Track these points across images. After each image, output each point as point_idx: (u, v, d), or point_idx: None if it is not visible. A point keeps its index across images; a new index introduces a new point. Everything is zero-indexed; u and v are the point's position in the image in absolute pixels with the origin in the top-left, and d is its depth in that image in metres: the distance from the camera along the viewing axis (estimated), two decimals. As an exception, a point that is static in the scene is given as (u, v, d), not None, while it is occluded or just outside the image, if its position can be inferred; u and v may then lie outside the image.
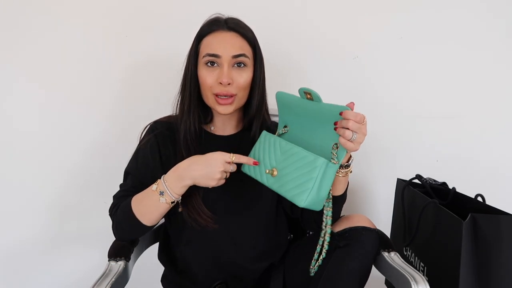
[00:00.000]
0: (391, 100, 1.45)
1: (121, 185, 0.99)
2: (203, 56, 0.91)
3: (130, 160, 0.99)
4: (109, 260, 0.90)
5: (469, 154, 1.48)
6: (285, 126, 0.92)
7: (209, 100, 0.94)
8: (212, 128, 1.01)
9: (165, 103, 1.06)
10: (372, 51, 1.42)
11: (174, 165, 0.89)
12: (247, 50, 0.93)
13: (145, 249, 1.08)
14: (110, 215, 0.96)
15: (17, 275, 1.44)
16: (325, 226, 0.90)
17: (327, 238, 0.90)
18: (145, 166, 0.96)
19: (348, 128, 0.76)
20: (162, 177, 0.87)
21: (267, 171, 0.85)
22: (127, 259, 0.91)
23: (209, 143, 0.98)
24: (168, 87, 1.38)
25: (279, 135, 0.91)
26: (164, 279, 1.06)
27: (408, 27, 1.42)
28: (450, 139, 1.47)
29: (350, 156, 0.85)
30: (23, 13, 1.32)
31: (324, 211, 0.88)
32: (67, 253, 1.45)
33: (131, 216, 0.89)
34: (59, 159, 1.39)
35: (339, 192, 0.90)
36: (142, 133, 1.01)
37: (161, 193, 0.86)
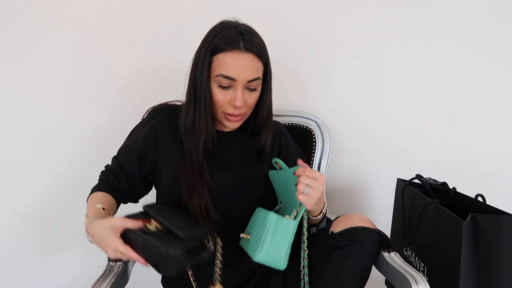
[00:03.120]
0: (391, 100, 1.46)
1: (114, 158, 1.04)
2: (217, 75, 0.89)
3: (126, 139, 1.04)
4: (109, 260, 0.90)
5: (469, 154, 1.48)
6: (280, 202, 0.98)
7: (219, 115, 0.95)
8: (215, 127, 1.02)
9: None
10: (372, 51, 1.42)
11: (175, 153, 0.95)
12: (260, 70, 0.92)
13: (145, 249, 1.08)
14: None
15: (16, 275, 1.44)
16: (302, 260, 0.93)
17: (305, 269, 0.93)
18: (132, 153, 1.00)
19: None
20: (89, 221, 0.86)
21: (242, 235, 0.90)
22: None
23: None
24: (168, 88, 1.38)
25: (276, 211, 0.94)
26: (164, 279, 1.06)
27: (408, 27, 1.42)
28: (450, 139, 1.48)
29: (322, 212, 0.95)
30: (22, 13, 1.32)
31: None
32: (67, 253, 1.45)
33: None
34: (59, 159, 1.39)
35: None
36: (145, 114, 1.03)
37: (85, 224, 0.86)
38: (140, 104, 1.38)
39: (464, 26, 1.43)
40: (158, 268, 0.76)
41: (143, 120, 1.03)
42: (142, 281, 1.20)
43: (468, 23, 1.43)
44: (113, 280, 0.83)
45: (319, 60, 1.43)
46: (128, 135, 1.04)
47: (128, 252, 0.76)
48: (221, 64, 0.88)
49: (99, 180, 1.02)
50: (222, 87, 0.90)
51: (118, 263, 0.89)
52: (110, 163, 1.04)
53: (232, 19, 0.94)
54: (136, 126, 1.04)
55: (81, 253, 1.45)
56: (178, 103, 1.03)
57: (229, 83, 0.89)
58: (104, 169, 1.04)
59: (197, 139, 0.93)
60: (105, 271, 0.86)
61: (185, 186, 0.92)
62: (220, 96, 0.91)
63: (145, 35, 1.36)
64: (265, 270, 1.01)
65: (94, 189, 0.98)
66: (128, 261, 0.92)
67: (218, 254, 0.89)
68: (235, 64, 0.88)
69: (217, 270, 0.91)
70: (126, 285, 0.90)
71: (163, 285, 1.06)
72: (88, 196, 0.97)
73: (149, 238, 0.74)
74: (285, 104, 1.36)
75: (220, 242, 0.89)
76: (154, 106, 1.04)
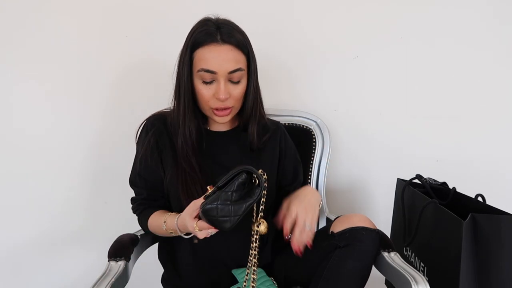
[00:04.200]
0: (391, 100, 1.46)
1: (134, 187, 1.04)
2: (198, 70, 0.90)
3: (134, 162, 1.03)
4: (109, 260, 0.90)
5: (469, 154, 1.48)
6: None
7: (206, 111, 0.96)
8: (208, 127, 1.03)
9: (163, 103, 1.06)
10: (372, 51, 1.42)
11: (171, 157, 0.96)
12: (242, 61, 0.92)
13: (145, 249, 1.08)
14: (135, 213, 1.05)
15: (17, 275, 1.44)
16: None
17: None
18: (148, 168, 1.00)
19: None
20: (176, 220, 0.89)
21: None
22: (127, 259, 0.92)
23: (206, 140, 1.00)
24: (167, 88, 1.39)
25: None
26: (164, 279, 1.06)
27: (408, 27, 1.42)
28: (450, 139, 1.48)
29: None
30: (21, 12, 1.32)
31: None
32: (67, 253, 1.45)
33: (150, 231, 1.01)
34: (59, 160, 1.39)
35: None
36: (138, 131, 1.03)
37: (171, 232, 0.93)
38: (142, 104, 1.39)
39: (464, 26, 1.43)
40: (218, 226, 0.79)
41: (140, 136, 1.03)
42: (142, 281, 1.20)
43: (468, 23, 1.42)
44: (113, 280, 0.83)
45: (319, 60, 1.43)
46: (134, 160, 1.03)
47: (199, 224, 0.81)
48: (201, 59, 0.90)
49: (139, 212, 1.03)
50: (205, 82, 0.91)
51: (119, 263, 0.89)
52: (134, 196, 1.05)
53: (212, 16, 0.95)
54: (138, 148, 1.03)
55: (81, 253, 1.45)
56: (169, 110, 1.03)
57: (211, 76, 0.90)
58: (132, 203, 1.05)
59: (183, 136, 0.95)
60: (105, 271, 0.86)
61: (181, 187, 0.93)
62: (204, 91, 0.92)
63: (145, 34, 1.36)
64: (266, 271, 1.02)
65: (145, 219, 1.00)
66: (129, 261, 0.92)
67: (264, 192, 0.86)
68: (214, 57, 0.89)
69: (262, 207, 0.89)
70: (126, 285, 0.90)
71: (163, 285, 1.06)
72: (146, 227, 1.01)
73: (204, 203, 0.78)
74: (285, 104, 1.36)
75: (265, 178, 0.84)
76: (147, 119, 1.03)
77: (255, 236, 0.88)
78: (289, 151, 1.09)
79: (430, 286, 0.81)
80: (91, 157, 1.40)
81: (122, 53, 1.36)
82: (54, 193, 1.41)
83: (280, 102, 1.19)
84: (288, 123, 1.27)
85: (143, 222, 1.01)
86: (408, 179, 1.21)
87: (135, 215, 1.06)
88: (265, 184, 0.82)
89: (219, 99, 0.91)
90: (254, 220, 0.89)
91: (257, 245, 0.88)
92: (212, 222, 0.77)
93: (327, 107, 1.44)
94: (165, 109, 1.05)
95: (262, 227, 0.87)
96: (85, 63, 1.36)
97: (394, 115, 1.46)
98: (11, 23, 1.32)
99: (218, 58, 0.89)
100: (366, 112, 1.46)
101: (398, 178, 1.30)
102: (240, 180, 0.77)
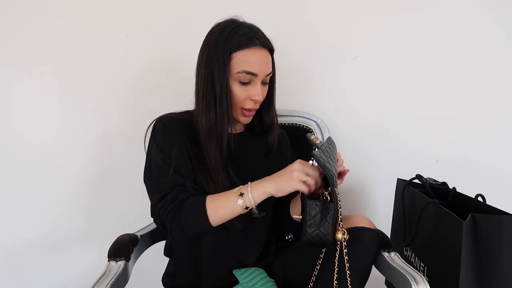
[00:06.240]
0: (391, 100, 1.46)
1: (155, 179, 0.91)
2: (238, 72, 0.90)
3: (153, 154, 0.93)
4: (109, 260, 0.90)
5: (469, 154, 1.48)
6: None
7: (236, 112, 0.95)
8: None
9: (168, 103, 1.06)
10: (372, 51, 1.42)
11: (192, 158, 0.92)
12: (271, 65, 0.96)
13: (145, 249, 1.08)
14: (160, 210, 0.88)
15: (17, 275, 1.44)
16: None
17: None
18: (174, 147, 0.92)
19: None
20: (249, 182, 0.88)
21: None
22: (127, 259, 0.92)
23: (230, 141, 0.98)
24: (171, 88, 1.39)
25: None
26: (164, 279, 1.06)
27: (408, 27, 1.42)
28: (450, 139, 1.48)
29: None
30: (29, 14, 1.32)
31: None
32: (67, 253, 1.45)
33: (202, 214, 0.86)
34: (59, 160, 1.39)
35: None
36: (146, 131, 0.98)
37: (241, 194, 0.85)
38: (143, 105, 1.39)
39: (464, 26, 1.43)
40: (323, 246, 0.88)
41: (156, 135, 0.94)
42: (142, 281, 1.20)
43: (468, 24, 1.43)
44: (113, 280, 0.83)
45: (319, 60, 1.43)
46: (156, 150, 0.92)
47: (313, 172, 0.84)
48: (241, 61, 0.90)
49: (185, 197, 0.88)
50: (242, 83, 0.92)
51: (118, 263, 0.89)
52: (166, 190, 0.88)
53: (236, 18, 0.95)
54: (157, 146, 0.93)
55: (81, 253, 1.45)
56: (176, 112, 1.01)
57: (250, 78, 0.91)
58: (169, 193, 0.88)
59: (221, 138, 0.92)
60: (105, 271, 0.86)
61: (213, 187, 0.91)
62: (240, 92, 0.92)
63: (149, 35, 1.37)
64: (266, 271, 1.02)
65: (200, 198, 0.88)
66: (129, 261, 0.92)
67: (339, 202, 0.85)
68: (257, 60, 0.90)
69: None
70: (126, 285, 0.90)
71: (163, 284, 1.06)
72: (202, 206, 0.86)
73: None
74: (285, 104, 1.36)
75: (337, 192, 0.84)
76: (158, 119, 0.96)
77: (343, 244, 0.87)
78: (290, 158, 1.11)
79: (430, 286, 0.81)
80: (91, 158, 1.40)
81: (126, 55, 1.37)
82: (54, 193, 1.40)
83: (281, 102, 1.19)
84: (288, 123, 1.27)
85: (195, 203, 0.87)
86: (408, 179, 1.21)
87: (167, 209, 0.87)
88: (338, 197, 0.84)
89: (256, 100, 0.93)
90: (338, 230, 0.85)
91: (345, 251, 0.87)
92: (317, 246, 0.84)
93: (327, 107, 1.44)
94: (170, 113, 1.01)
95: (345, 235, 0.86)
96: (88, 65, 1.36)
97: (394, 115, 1.46)
98: (18, 26, 1.32)
99: (261, 61, 0.91)
100: (366, 112, 1.46)
101: (398, 178, 1.30)
102: (310, 208, 0.82)
